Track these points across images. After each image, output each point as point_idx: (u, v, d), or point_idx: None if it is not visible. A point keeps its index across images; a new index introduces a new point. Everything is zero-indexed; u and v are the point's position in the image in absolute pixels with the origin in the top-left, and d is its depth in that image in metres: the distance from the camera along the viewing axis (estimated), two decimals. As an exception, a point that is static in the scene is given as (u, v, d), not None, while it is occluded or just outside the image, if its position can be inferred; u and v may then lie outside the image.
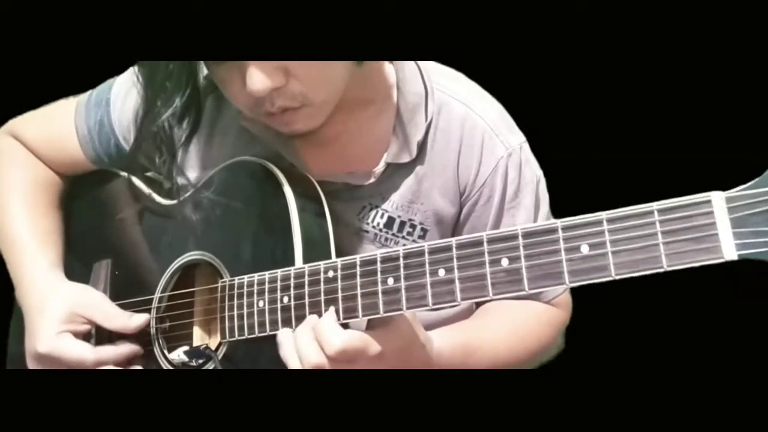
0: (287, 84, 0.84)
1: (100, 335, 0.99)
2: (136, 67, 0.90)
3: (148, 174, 1.04)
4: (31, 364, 0.98)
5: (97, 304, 0.99)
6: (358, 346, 0.78)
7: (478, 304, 1.03)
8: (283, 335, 0.83)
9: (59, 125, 1.08)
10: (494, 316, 0.99)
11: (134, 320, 0.97)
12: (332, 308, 0.81)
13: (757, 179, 0.60)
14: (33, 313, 0.98)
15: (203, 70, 0.92)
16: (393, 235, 0.98)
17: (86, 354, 0.95)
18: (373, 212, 0.98)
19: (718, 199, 0.62)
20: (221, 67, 0.86)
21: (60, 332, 0.95)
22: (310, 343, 0.79)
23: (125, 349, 0.98)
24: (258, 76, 0.82)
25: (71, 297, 0.98)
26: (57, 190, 1.11)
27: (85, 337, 0.99)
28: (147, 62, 0.88)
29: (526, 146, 1.01)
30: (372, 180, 0.97)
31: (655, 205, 0.64)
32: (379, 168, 0.97)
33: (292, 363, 0.81)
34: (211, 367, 0.92)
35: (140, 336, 0.99)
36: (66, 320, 0.96)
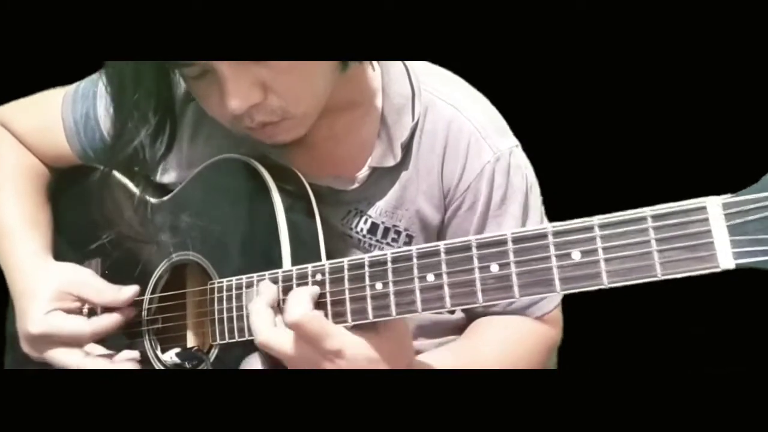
0: (265, 100, 0.82)
1: (92, 314, 0.97)
2: (105, 85, 0.87)
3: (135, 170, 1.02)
4: (26, 347, 0.97)
5: (85, 280, 0.97)
6: (316, 329, 0.74)
7: (470, 318, 1.00)
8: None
9: (47, 116, 1.06)
10: (485, 336, 0.96)
11: (124, 292, 0.95)
12: (315, 287, 0.78)
13: (754, 184, 0.57)
14: (23, 297, 0.97)
15: (181, 84, 0.89)
16: (377, 241, 0.96)
17: (82, 326, 0.94)
18: (357, 218, 0.96)
19: (713, 205, 0.59)
20: (198, 83, 0.84)
21: (50, 311, 0.94)
22: (263, 315, 0.78)
23: (119, 316, 0.95)
24: (235, 94, 0.80)
25: (59, 276, 0.97)
26: (46, 180, 1.10)
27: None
28: (114, 84, 0.86)
29: (518, 151, 0.96)
30: (356, 185, 0.94)
31: (648, 211, 0.61)
32: (364, 173, 0.94)
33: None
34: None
35: (132, 336, 0.98)
36: (55, 299, 0.95)
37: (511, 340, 0.96)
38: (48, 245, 1.04)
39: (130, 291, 0.95)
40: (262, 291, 0.81)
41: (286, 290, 0.81)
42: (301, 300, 0.76)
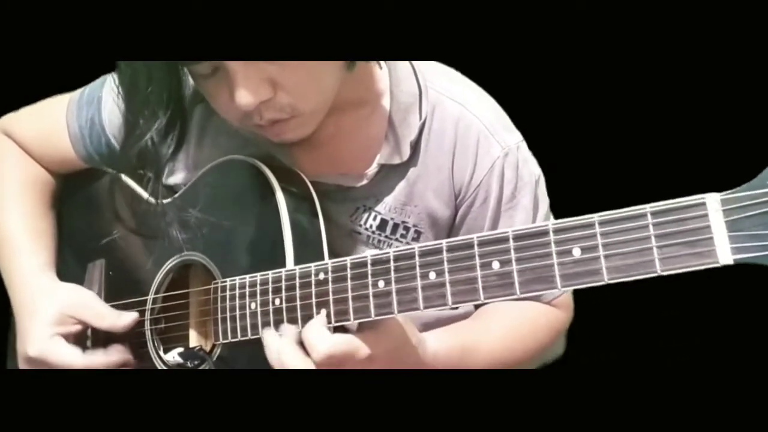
0: (275, 96, 0.82)
1: (96, 336, 0.98)
2: (116, 84, 0.88)
3: (140, 172, 1.02)
4: (23, 366, 0.98)
5: (87, 303, 0.97)
6: (346, 350, 0.76)
7: (477, 306, 1.01)
8: (268, 337, 0.82)
9: (51, 123, 1.07)
10: (492, 317, 0.97)
11: (123, 319, 0.96)
12: (323, 311, 0.79)
13: (753, 180, 0.58)
14: (24, 316, 0.98)
15: (189, 83, 0.90)
16: (386, 237, 0.97)
17: (75, 360, 0.94)
18: (366, 214, 0.97)
19: (713, 201, 0.59)
20: (208, 81, 0.84)
21: (51, 335, 0.94)
22: (295, 353, 0.78)
23: (116, 355, 0.96)
24: (245, 90, 0.80)
25: (62, 298, 0.97)
26: (50, 188, 1.10)
27: (81, 337, 0.98)
28: (126, 80, 0.86)
29: (524, 145, 0.98)
30: (365, 182, 0.95)
31: (648, 207, 0.62)
32: (372, 169, 0.95)
33: (277, 366, 0.79)
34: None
35: (136, 337, 0.98)
36: (57, 322, 0.95)
37: (520, 320, 0.98)
38: (52, 258, 1.05)
39: (128, 318, 0.96)
40: (285, 332, 0.81)
41: (289, 289, 0.82)
42: (319, 332, 0.77)
